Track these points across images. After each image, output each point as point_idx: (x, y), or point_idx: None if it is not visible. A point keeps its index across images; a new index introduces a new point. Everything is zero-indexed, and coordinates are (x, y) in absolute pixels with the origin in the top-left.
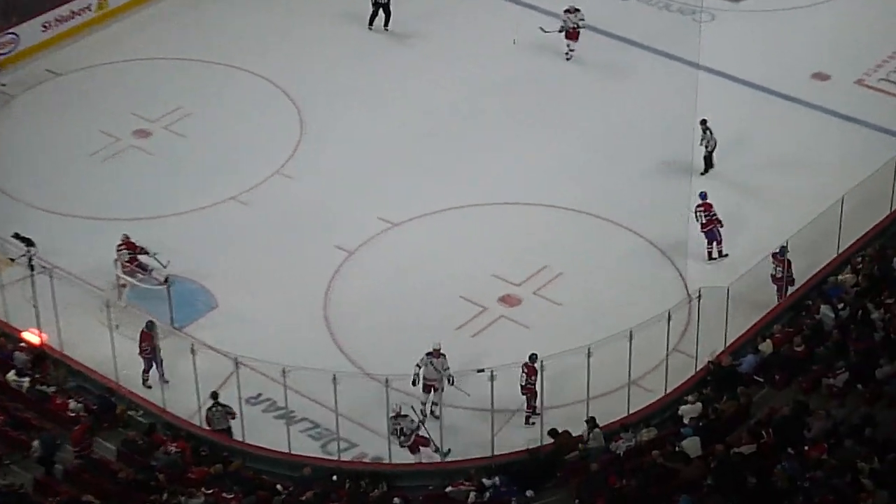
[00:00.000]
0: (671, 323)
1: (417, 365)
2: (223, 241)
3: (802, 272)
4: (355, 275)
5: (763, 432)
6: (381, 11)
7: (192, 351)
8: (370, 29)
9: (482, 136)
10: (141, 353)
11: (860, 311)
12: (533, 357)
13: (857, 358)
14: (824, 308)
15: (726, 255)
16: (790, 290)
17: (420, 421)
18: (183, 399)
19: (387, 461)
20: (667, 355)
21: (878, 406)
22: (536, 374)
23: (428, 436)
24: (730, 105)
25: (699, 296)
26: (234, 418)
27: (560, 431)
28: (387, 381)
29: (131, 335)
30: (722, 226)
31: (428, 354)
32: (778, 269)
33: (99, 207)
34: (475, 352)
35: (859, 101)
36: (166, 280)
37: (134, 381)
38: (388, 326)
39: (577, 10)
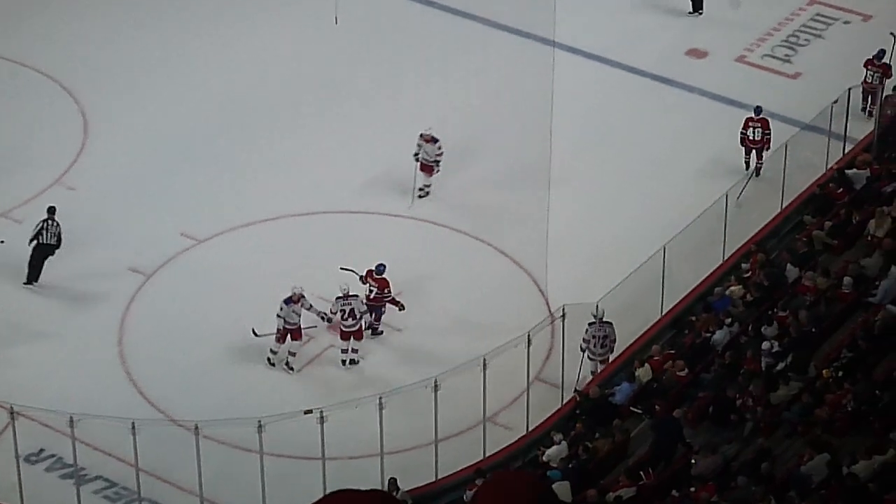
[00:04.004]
0: (531, 347)
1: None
2: None
3: (684, 281)
4: (154, 302)
5: (642, 473)
6: None
7: None
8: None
9: (298, 131)
10: None
11: (750, 327)
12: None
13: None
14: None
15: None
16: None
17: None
18: None
19: None
20: (527, 386)
21: (775, 437)
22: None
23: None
24: (593, 88)
25: (563, 314)
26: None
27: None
28: (196, 427)
29: None
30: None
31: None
32: (876, 75)
33: None
34: (301, 389)
35: (741, 81)
36: None
37: None
38: (195, 363)
39: (436, 140)
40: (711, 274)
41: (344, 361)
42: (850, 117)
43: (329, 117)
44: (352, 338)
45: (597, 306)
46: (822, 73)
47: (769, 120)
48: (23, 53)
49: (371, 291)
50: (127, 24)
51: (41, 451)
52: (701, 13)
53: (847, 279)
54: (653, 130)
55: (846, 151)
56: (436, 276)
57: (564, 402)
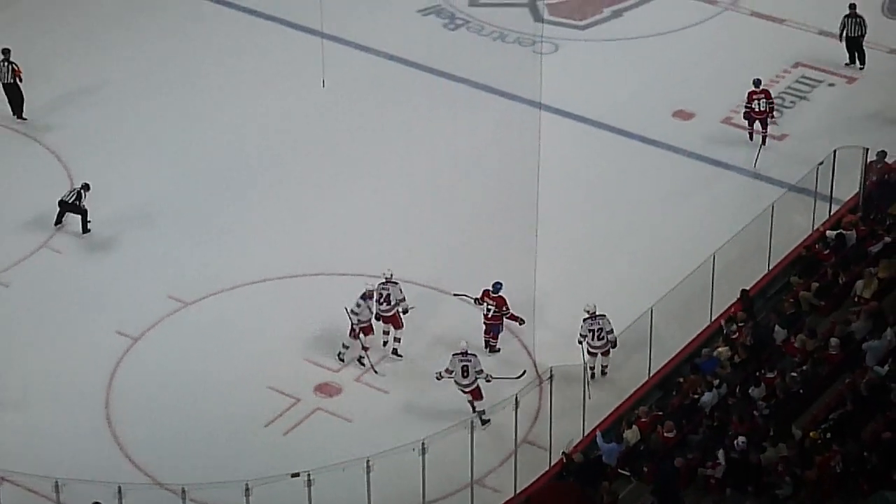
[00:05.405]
0: (519, 409)
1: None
2: None
3: (672, 342)
4: (142, 365)
5: None
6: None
7: None
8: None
9: (285, 193)
10: None
11: (738, 389)
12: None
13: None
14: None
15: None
16: None
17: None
18: None
19: None
20: (515, 448)
21: (764, 499)
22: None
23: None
24: (579, 149)
25: (550, 376)
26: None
27: None
28: (183, 491)
29: None
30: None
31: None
32: None
33: None
34: (288, 452)
35: (728, 142)
36: None
37: None
38: (183, 426)
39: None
40: (699, 335)
41: (393, 350)
42: (835, 178)
43: (316, 179)
44: (391, 326)
45: (589, 303)
46: (808, 134)
47: (769, 90)
48: (7, 116)
49: (489, 310)
50: (112, 85)
51: None
52: (862, 68)
53: (834, 340)
54: (639, 192)
55: (832, 212)
56: (422, 336)
57: (552, 464)
